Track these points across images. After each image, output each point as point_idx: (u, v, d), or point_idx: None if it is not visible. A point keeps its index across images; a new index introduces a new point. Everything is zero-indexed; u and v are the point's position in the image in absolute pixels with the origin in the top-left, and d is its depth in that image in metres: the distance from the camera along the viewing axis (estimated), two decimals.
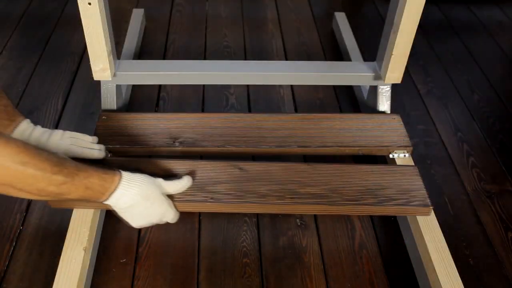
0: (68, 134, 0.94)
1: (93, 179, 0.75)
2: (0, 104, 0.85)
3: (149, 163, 0.98)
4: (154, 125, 1.09)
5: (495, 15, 1.93)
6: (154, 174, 0.88)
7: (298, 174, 0.98)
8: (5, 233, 1.01)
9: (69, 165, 0.72)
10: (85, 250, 0.87)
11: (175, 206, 0.90)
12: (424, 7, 1.04)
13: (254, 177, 0.97)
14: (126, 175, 0.81)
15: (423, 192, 0.97)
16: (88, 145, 0.96)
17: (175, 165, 0.98)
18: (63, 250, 0.87)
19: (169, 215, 0.88)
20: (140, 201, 0.81)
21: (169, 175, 0.94)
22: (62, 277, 0.83)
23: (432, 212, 0.97)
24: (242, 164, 0.99)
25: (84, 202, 0.83)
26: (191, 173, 0.95)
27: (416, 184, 0.98)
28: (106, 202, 0.80)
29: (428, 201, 0.95)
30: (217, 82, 1.29)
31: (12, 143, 0.64)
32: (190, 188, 0.92)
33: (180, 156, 1.06)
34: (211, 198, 0.92)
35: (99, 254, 0.97)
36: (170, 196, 0.89)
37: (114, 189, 0.78)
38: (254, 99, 1.41)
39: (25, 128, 0.90)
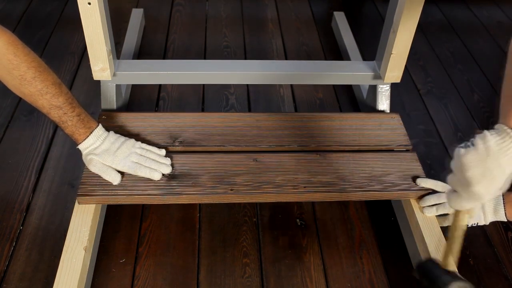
0: (139, 144, 0.99)
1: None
2: (74, 114, 0.91)
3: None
4: (154, 125, 1.09)
5: (495, 15, 1.93)
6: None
7: (309, 164, 1.03)
8: (5, 233, 1.01)
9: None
10: (85, 250, 0.87)
11: (198, 198, 0.95)
12: (424, 7, 1.04)
13: (268, 167, 1.01)
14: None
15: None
16: (156, 157, 0.98)
17: (191, 157, 1.01)
18: (63, 250, 0.87)
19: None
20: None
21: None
22: (62, 277, 0.83)
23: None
24: (256, 156, 1.03)
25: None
26: (209, 165, 1.00)
27: (416, 169, 1.04)
28: None
29: None
30: (217, 82, 1.29)
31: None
32: (210, 180, 0.96)
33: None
34: (231, 190, 0.95)
35: (99, 254, 0.97)
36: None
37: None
38: (254, 99, 1.41)
39: (100, 134, 0.95)
